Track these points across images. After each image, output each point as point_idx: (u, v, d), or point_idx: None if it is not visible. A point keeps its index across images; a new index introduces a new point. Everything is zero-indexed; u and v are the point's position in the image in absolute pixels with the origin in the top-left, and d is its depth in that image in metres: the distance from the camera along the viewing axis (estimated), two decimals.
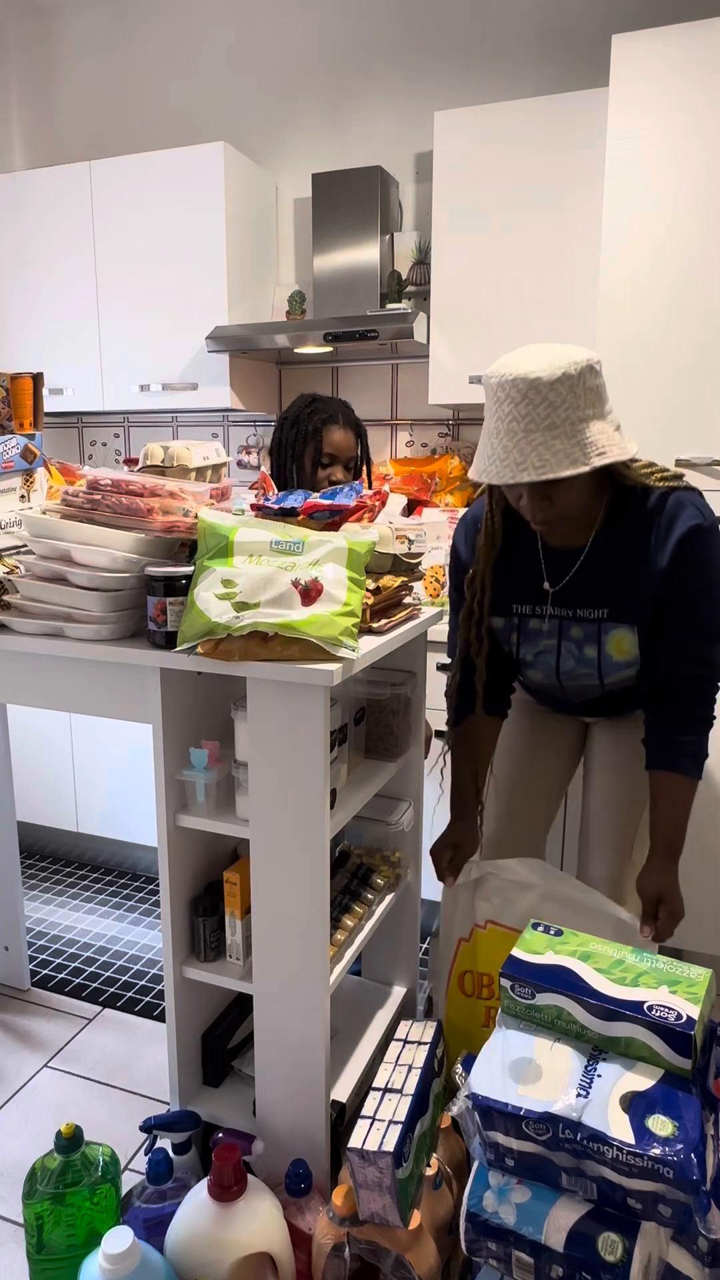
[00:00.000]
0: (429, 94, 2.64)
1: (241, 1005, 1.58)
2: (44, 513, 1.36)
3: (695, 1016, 1.00)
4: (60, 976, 2.21)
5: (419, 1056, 1.28)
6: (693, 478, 2.00)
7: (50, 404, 2.78)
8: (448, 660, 2.18)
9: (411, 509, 2.51)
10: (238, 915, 1.37)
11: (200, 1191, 1.18)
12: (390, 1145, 1.10)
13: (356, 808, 1.45)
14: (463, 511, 1.66)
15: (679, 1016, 1.01)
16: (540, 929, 1.20)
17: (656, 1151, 0.92)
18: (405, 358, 2.76)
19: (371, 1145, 1.11)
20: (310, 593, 1.21)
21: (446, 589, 1.60)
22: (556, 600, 1.45)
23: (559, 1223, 0.98)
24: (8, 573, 1.37)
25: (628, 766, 1.59)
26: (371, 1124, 1.15)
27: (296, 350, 2.60)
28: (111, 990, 2.15)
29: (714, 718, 1.43)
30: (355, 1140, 1.12)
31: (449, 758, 1.63)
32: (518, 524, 1.45)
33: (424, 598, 2.34)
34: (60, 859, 2.89)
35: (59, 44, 3.08)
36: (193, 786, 1.35)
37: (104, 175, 2.68)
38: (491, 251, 2.31)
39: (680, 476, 1.38)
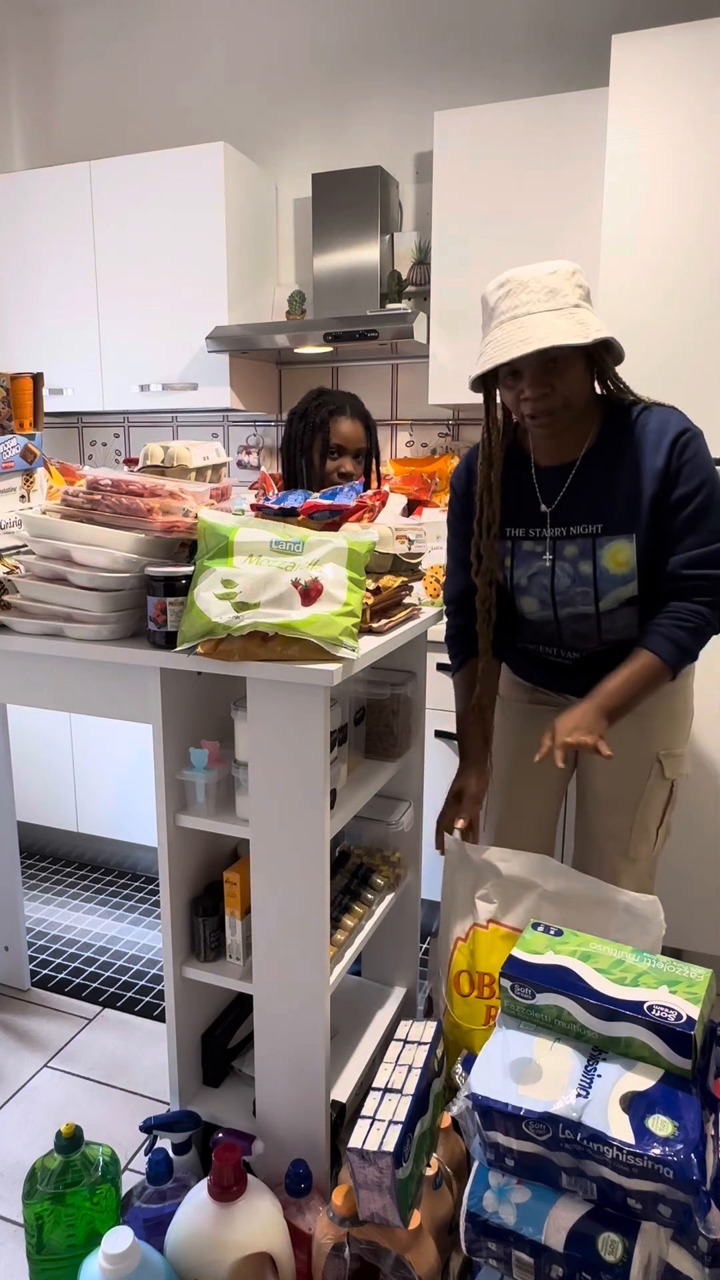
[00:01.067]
0: (429, 94, 2.64)
1: (241, 1005, 1.58)
2: (44, 513, 1.36)
3: (695, 1016, 1.00)
4: (60, 976, 2.21)
5: (419, 1056, 1.27)
6: None
7: (50, 404, 2.78)
8: (448, 660, 2.19)
9: (411, 509, 2.51)
10: (238, 915, 1.37)
11: (200, 1191, 1.18)
12: (390, 1145, 1.10)
13: (356, 808, 1.45)
14: None
15: (679, 1016, 1.01)
16: (540, 929, 1.20)
17: (656, 1151, 0.92)
18: (405, 358, 2.76)
19: (371, 1145, 1.11)
20: (310, 593, 1.21)
21: (447, 536, 1.66)
22: (552, 520, 1.47)
23: (559, 1223, 0.98)
24: (8, 573, 1.37)
25: (622, 765, 1.59)
26: (371, 1124, 1.15)
27: (296, 350, 2.60)
28: (111, 990, 2.15)
29: (712, 623, 1.41)
30: (355, 1140, 1.12)
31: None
32: (513, 449, 1.51)
33: (424, 598, 2.34)
34: (60, 859, 2.89)
35: (59, 44, 3.09)
36: (193, 786, 1.35)
37: (104, 175, 2.68)
38: (491, 251, 2.31)
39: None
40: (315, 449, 2.00)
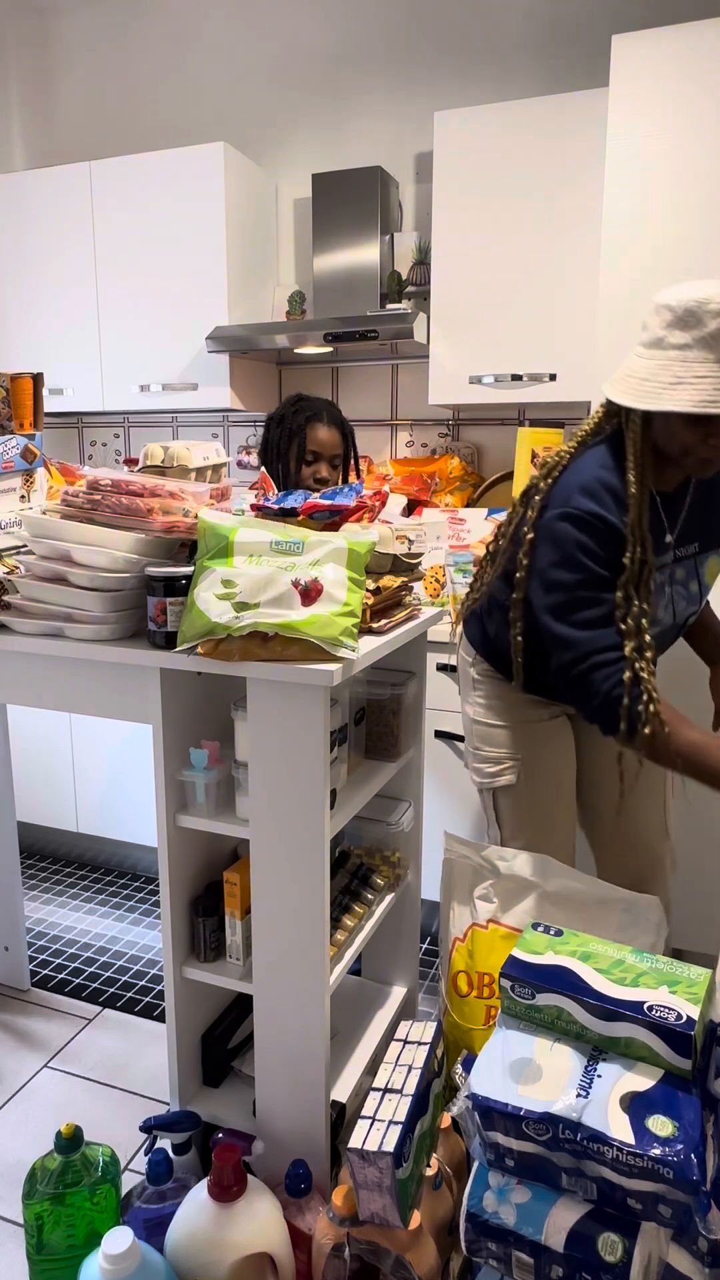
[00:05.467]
0: (429, 94, 2.64)
1: (241, 1005, 1.58)
2: (44, 513, 1.36)
3: (695, 1016, 1.00)
4: (60, 976, 2.21)
5: (419, 1056, 1.27)
6: None
7: (50, 404, 2.78)
8: (451, 662, 2.19)
9: (411, 509, 2.51)
10: (238, 915, 1.37)
11: (200, 1191, 1.18)
12: (390, 1145, 1.10)
13: (356, 808, 1.45)
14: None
15: (679, 1016, 1.00)
16: (540, 929, 1.19)
17: (656, 1152, 0.92)
18: (405, 358, 2.76)
19: (371, 1145, 1.10)
20: (310, 593, 1.21)
21: (579, 577, 1.33)
22: (674, 546, 1.45)
23: (559, 1223, 0.98)
24: (8, 573, 1.37)
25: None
26: (371, 1124, 1.15)
27: (296, 350, 2.60)
28: (111, 990, 2.15)
29: None
30: (355, 1140, 1.12)
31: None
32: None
33: (424, 598, 2.34)
34: (60, 859, 2.89)
35: (59, 44, 3.08)
36: (193, 786, 1.35)
37: (104, 175, 2.68)
38: (491, 251, 2.31)
39: None
40: (291, 455, 2.01)
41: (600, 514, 1.32)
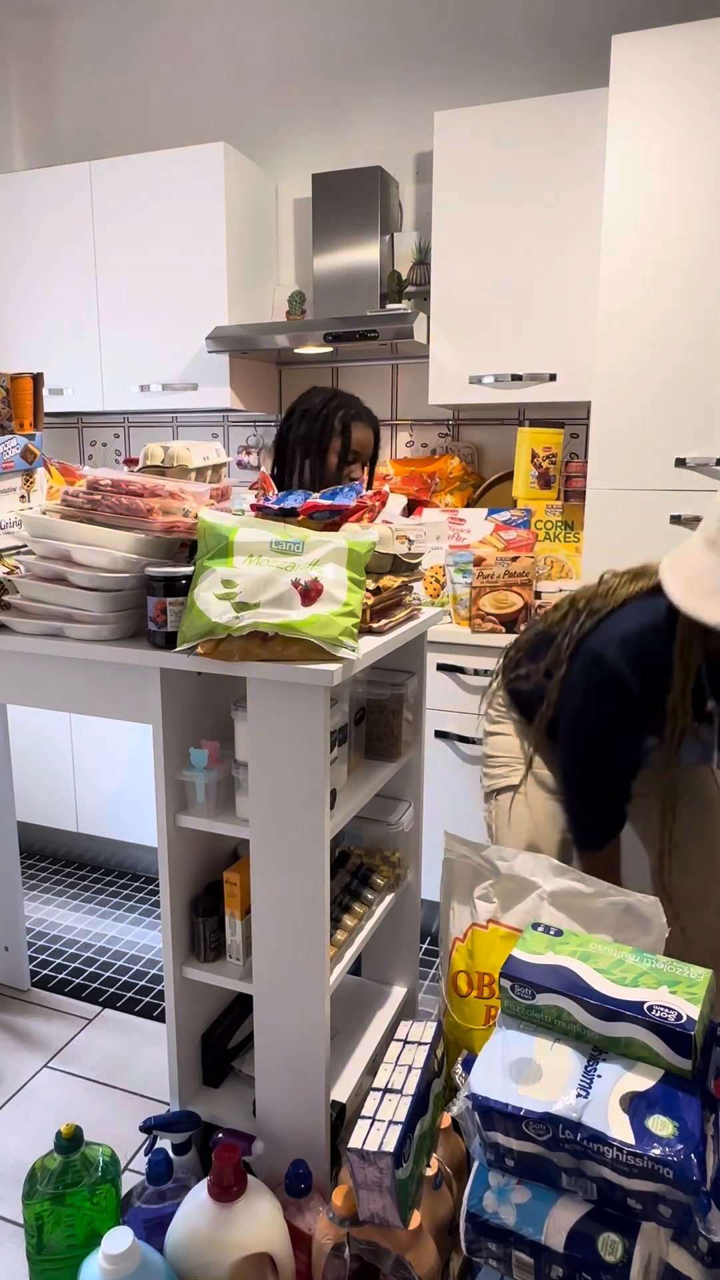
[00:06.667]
0: (429, 94, 2.64)
1: (241, 1005, 1.58)
2: (44, 513, 1.36)
3: (695, 1017, 1.00)
4: (60, 976, 2.21)
5: (419, 1056, 1.27)
6: (692, 478, 2.00)
7: (50, 404, 2.78)
8: (451, 662, 2.19)
9: (411, 509, 2.51)
10: (238, 915, 1.37)
11: (200, 1192, 1.18)
12: (390, 1145, 1.10)
13: (356, 808, 1.45)
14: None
15: (679, 1017, 1.00)
16: (540, 929, 1.19)
17: (656, 1152, 0.92)
18: (405, 358, 2.76)
19: (371, 1145, 1.10)
20: (310, 593, 1.21)
21: (596, 719, 1.46)
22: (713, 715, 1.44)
23: (559, 1223, 0.98)
24: (8, 573, 1.37)
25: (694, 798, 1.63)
26: (371, 1124, 1.14)
27: (296, 350, 2.60)
28: (111, 990, 2.15)
29: None
30: (355, 1140, 1.12)
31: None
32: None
33: (424, 598, 2.34)
34: (60, 859, 2.89)
35: (59, 44, 3.08)
36: (193, 786, 1.35)
37: (104, 175, 2.68)
38: (491, 251, 2.31)
39: None
40: (333, 451, 1.99)
41: (625, 673, 1.38)
